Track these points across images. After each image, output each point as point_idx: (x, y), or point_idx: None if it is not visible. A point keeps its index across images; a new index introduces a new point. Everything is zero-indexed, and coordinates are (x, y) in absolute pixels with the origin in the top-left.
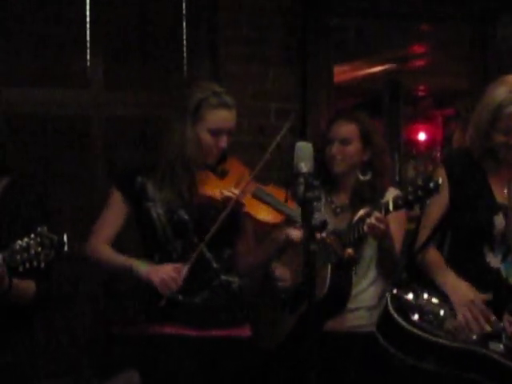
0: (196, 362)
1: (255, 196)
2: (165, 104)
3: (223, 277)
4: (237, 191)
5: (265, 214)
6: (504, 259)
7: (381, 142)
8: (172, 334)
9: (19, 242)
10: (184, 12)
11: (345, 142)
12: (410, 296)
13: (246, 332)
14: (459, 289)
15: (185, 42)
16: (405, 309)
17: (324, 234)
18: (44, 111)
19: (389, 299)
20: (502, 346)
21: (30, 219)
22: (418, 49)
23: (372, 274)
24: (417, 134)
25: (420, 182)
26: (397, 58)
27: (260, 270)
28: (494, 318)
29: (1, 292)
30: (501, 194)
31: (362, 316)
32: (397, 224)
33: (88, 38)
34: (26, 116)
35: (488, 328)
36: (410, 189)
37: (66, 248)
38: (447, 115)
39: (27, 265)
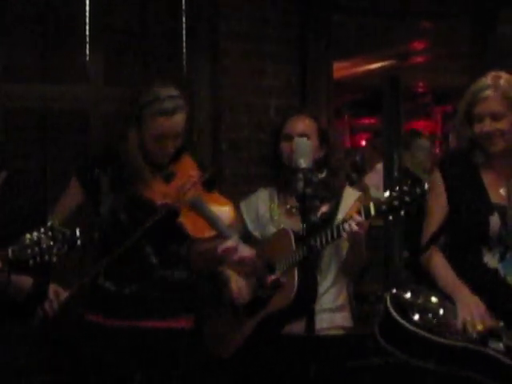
0: (117, 351)
1: (192, 206)
2: None
3: (161, 271)
4: (174, 199)
5: (196, 228)
6: (501, 259)
7: (335, 139)
8: (93, 322)
9: (28, 235)
10: (183, 8)
11: (303, 137)
12: (409, 295)
13: (181, 323)
14: (461, 293)
15: (184, 37)
16: (405, 308)
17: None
18: (43, 106)
19: (388, 299)
20: (501, 345)
21: (28, 213)
22: (418, 45)
23: (331, 275)
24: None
25: (406, 188)
26: (396, 54)
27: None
28: (492, 317)
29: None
30: (495, 194)
31: (324, 319)
32: None
33: (88, 33)
34: (25, 111)
35: (480, 327)
36: (394, 194)
37: (78, 242)
38: (446, 112)
39: (38, 259)
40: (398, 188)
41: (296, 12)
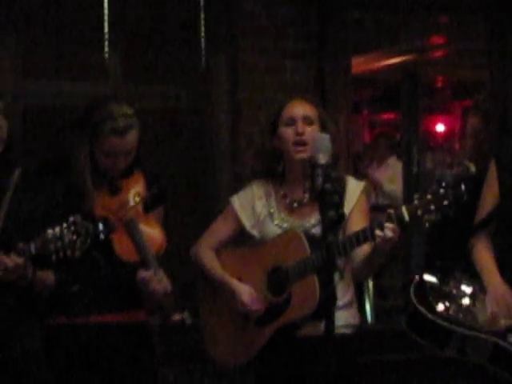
0: (88, 348)
1: (125, 226)
2: (182, 96)
3: (104, 270)
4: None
5: (124, 249)
6: None
7: (335, 127)
8: (57, 324)
9: (50, 230)
10: (202, 4)
11: (307, 120)
12: (434, 280)
13: (140, 316)
14: (496, 283)
15: (203, 34)
16: (428, 296)
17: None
18: (61, 103)
19: (412, 289)
20: None
21: (45, 209)
22: (437, 40)
23: (337, 272)
24: (435, 125)
25: (442, 190)
26: (415, 49)
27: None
28: None
29: (24, 283)
30: None
31: (338, 317)
32: (363, 216)
33: (106, 31)
34: (44, 108)
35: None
36: (430, 197)
37: (102, 236)
38: (466, 106)
39: (61, 254)
40: (434, 191)
41: (314, 8)
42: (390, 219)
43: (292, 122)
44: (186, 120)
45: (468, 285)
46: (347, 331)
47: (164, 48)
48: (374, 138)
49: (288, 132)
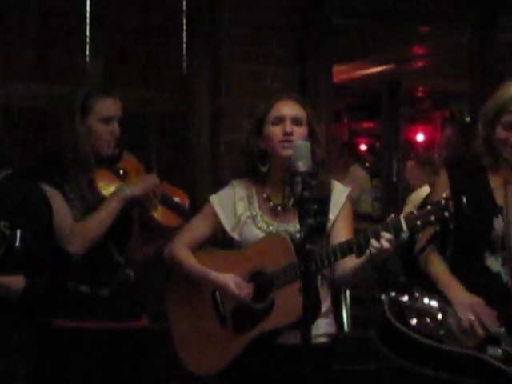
0: (99, 354)
1: (161, 202)
2: (164, 101)
3: (127, 270)
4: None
5: (167, 219)
6: (504, 263)
7: (320, 131)
8: (76, 327)
9: None
10: (184, 9)
11: (296, 121)
12: (406, 298)
13: (144, 323)
14: (461, 294)
15: (184, 39)
16: (402, 313)
17: None
18: (43, 106)
19: (386, 304)
20: (500, 351)
21: (26, 211)
22: (418, 50)
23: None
24: (415, 135)
25: (443, 202)
26: (396, 58)
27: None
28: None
29: None
30: (501, 197)
31: (317, 325)
32: (348, 222)
33: (88, 34)
34: (26, 110)
35: (496, 328)
36: (430, 208)
37: (17, 243)
38: (446, 117)
39: None
40: (434, 201)
41: (297, 15)
42: (387, 229)
43: (280, 121)
44: (166, 125)
45: (432, 299)
46: (325, 340)
47: (145, 52)
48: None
49: (275, 130)
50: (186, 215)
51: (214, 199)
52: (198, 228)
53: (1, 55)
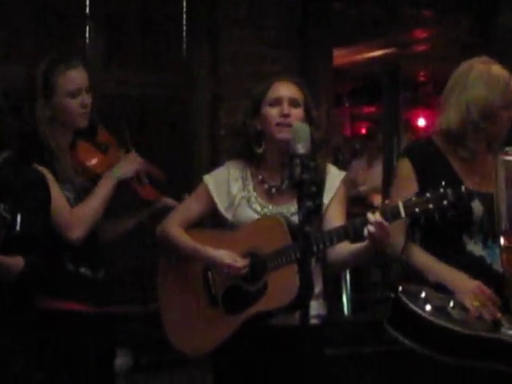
0: (96, 337)
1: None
2: (164, 84)
3: (110, 252)
4: None
5: (145, 192)
6: (484, 246)
7: (317, 113)
8: (75, 310)
9: None
10: None
11: (294, 103)
12: (415, 288)
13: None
14: (460, 279)
15: (184, 22)
16: (417, 300)
17: None
18: None
19: (400, 288)
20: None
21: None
22: (419, 34)
23: None
24: (416, 119)
25: (442, 189)
26: (397, 42)
27: None
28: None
29: None
30: (471, 181)
31: (310, 307)
32: (341, 206)
33: (88, 17)
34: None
35: (498, 314)
36: (429, 195)
37: (18, 228)
38: None
39: None
40: (433, 189)
41: None
42: (384, 213)
43: (277, 102)
44: (167, 108)
45: (437, 291)
46: (316, 321)
47: (146, 35)
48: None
49: (272, 112)
50: (163, 187)
51: (208, 179)
52: (191, 207)
53: (1, 39)
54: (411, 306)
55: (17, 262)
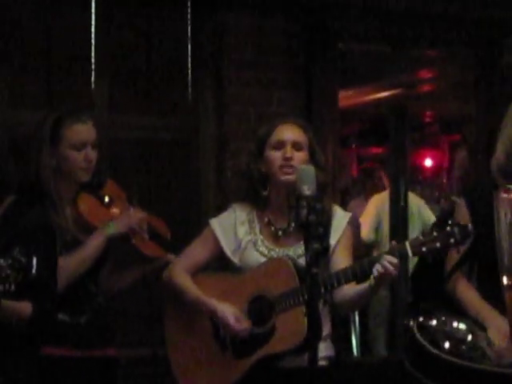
0: (80, 382)
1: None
2: (168, 128)
3: (99, 299)
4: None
5: (149, 249)
6: None
7: (322, 155)
8: (57, 355)
9: None
10: (189, 35)
11: (297, 146)
12: (434, 322)
13: (113, 352)
14: (497, 320)
15: (189, 65)
16: (434, 337)
17: None
18: None
19: (415, 329)
20: None
21: (32, 239)
22: (425, 74)
23: None
24: (423, 159)
25: (449, 228)
26: (403, 83)
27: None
28: None
29: None
30: None
31: (319, 348)
32: (348, 248)
33: (93, 61)
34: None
35: None
36: (436, 234)
37: (34, 271)
38: (454, 141)
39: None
40: (440, 228)
41: (302, 39)
42: (392, 253)
43: (280, 145)
44: (172, 151)
45: (460, 322)
46: (325, 363)
47: (151, 79)
48: (359, 172)
49: (275, 155)
50: (168, 244)
51: (214, 223)
52: (197, 252)
53: (6, 83)
54: (428, 346)
55: (26, 307)
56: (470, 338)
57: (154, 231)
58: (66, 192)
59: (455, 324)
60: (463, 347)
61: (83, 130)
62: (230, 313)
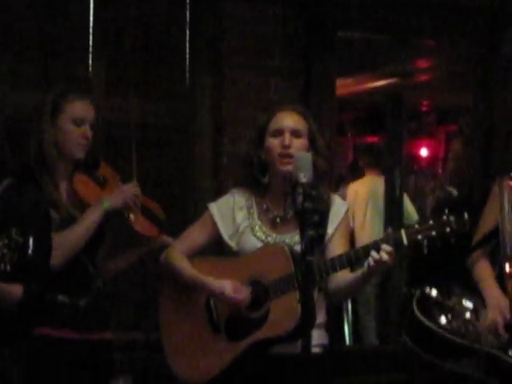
0: (77, 364)
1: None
2: (166, 113)
3: (98, 282)
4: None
5: (145, 229)
6: None
7: (323, 143)
8: (56, 337)
9: None
10: (187, 20)
11: (296, 133)
12: (435, 293)
13: (110, 335)
14: (495, 295)
15: (187, 50)
16: (431, 309)
17: None
18: None
19: (415, 301)
20: None
21: (28, 222)
22: (422, 64)
23: None
24: (419, 149)
25: (445, 217)
26: (400, 72)
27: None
28: None
29: None
30: None
31: (312, 336)
32: (345, 237)
33: (91, 45)
34: (28, 120)
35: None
36: (431, 222)
37: (30, 252)
38: (450, 131)
39: None
40: (436, 216)
41: (301, 28)
42: (387, 241)
43: (279, 133)
44: (169, 136)
45: (469, 300)
46: (318, 350)
47: (149, 63)
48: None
49: (274, 143)
50: (163, 226)
51: (213, 207)
52: (195, 235)
53: (5, 66)
54: (423, 319)
55: (17, 289)
56: (467, 315)
57: (149, 212)
58: (62, 170)
59: (463, 301)
60: (458, 322)
61: (84, 107)
62: (228, 284)
